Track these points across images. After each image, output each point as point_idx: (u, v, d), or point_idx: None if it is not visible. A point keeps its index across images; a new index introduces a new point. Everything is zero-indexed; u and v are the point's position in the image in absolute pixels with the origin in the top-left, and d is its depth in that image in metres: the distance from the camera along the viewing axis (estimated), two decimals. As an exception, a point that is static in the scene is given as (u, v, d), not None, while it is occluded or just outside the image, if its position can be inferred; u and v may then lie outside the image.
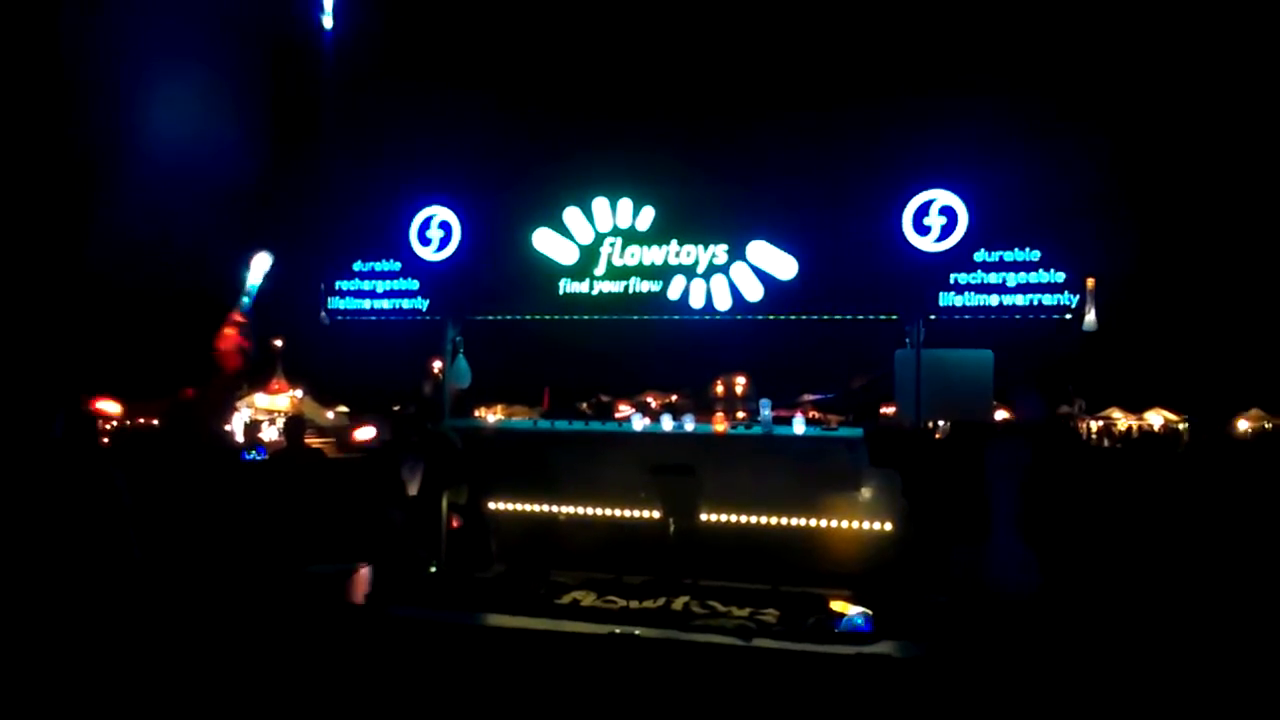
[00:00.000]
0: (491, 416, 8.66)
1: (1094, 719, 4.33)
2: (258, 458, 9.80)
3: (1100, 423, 31.04)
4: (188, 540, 4.76)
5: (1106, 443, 26.06)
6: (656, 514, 6.35)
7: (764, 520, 6.22)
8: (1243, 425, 28.54)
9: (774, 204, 6.22)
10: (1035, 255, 5.68)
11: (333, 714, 4.60)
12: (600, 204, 6.44)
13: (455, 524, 6.64)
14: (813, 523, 6.13)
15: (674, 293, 6.27)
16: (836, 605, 5.52)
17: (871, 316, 6.07)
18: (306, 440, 8.47)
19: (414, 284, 6.78)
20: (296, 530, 6.27)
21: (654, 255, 6.34)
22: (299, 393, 23.43)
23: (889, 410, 7.07)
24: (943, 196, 5.84)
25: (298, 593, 5.67)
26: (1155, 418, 31.25)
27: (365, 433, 11.46)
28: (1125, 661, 4.70)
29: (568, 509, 6.65)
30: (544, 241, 6.53)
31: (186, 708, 4.32)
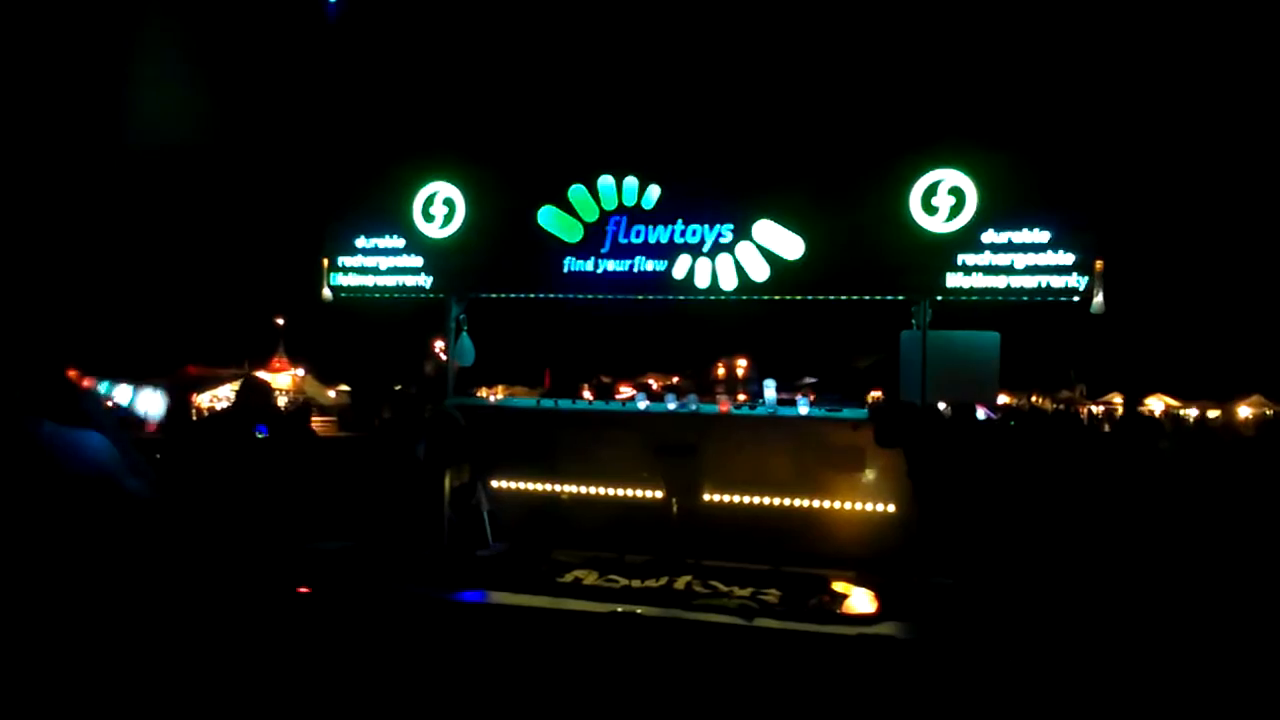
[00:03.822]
0: (492, 397, 8.64)
1: (1093, 701, 4.34)
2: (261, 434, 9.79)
3: (1101, 407, 31.07)
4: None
5: (1107, 427, 26.07)
6: (659, 493, 6.34)
7: (767, 500, 6.21)
8: (1244, 412, 28.54)
9: (781, 183, 6.17)
10: (1044, 237, 5.63)
11: (337, 690, 4.61)
12: (606, 182, 6.39)
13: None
14: (816, 503, 6.12)
15: (679, 272, 6.23)
16: (839, 586, 5.53)
17: (878, 297, 6.03)
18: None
19: (418, 261, 6.74)
20: (298, 508, 6.28)
21: (659, 234, 6.29)
22: (300, 371, 23.43)
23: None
24: (951, 176, 5.79)
25: (300, 569, 5.67)
26: (1156, 403, 31.26)
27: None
28: (1123, 646, 4.70)
29: (570, 488, 6.64)
30: (549, 219, 6.48)
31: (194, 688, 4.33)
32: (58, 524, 3.85)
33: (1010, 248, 5.68)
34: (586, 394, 8.44)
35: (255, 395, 5.76)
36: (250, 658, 4.66)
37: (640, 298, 6.42)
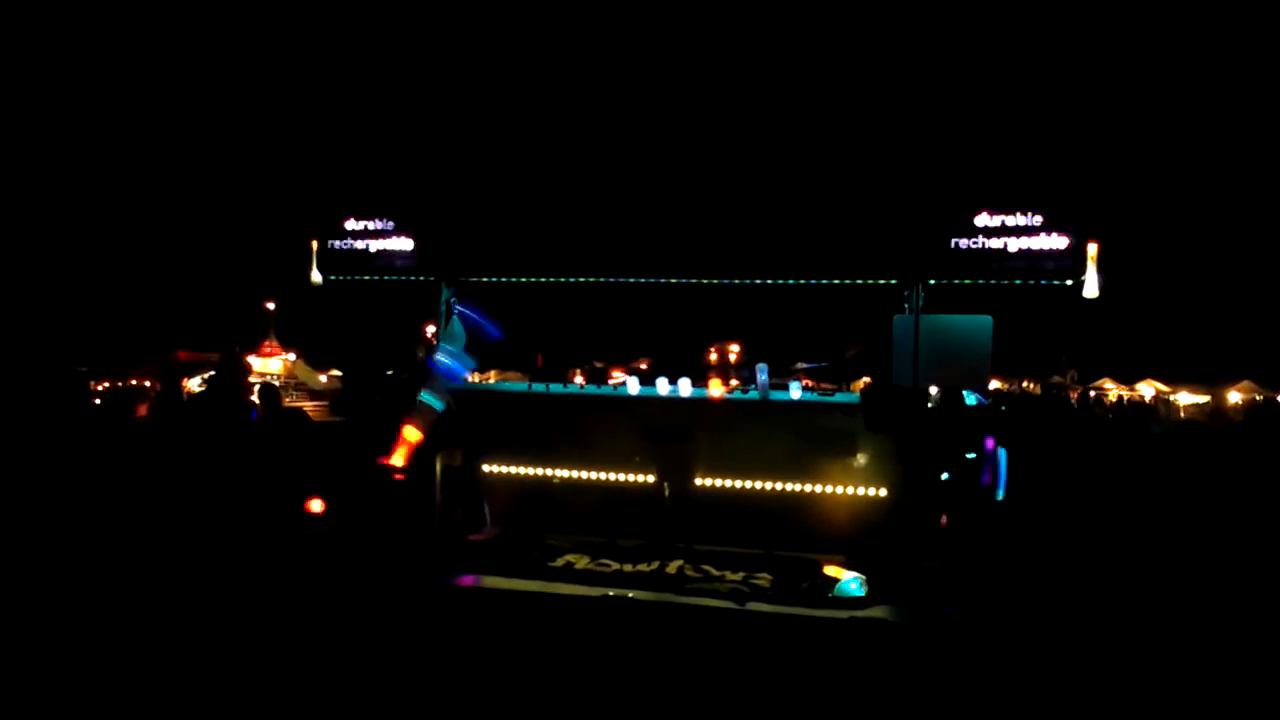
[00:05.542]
0: (484, 381, 8.60)
1: (1085, 686, 4.35)
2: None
3: (1092, 393, 31.16)
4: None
5: (1098, 412, 26.12)
6: (651, 478, 6.32)
7: (759, 485, 6.20)
8: (1233, 397, 28.65)
9: (775, 163, 6.12)
10: (1037, 220, 5.61)
11: (328, 674, 4.60)
12: (597, 163, 6.34)
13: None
14: (807, 488, 6.12)
15: (671, 255, 6.19)
16: (830, 570, 5.53)
17: (870, 281, 6.00)
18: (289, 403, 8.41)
19: (408, 243, 6.68)
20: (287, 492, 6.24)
21: (652, 216, 6.25)
22: (291, 355, 23.29)
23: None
24: (944, 159, 5.75)
25: (291, 554, 5.65)
26: (1147, 389, 31.39)
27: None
28: (1112, 629, 4.72)
29: (562, 472, 6.62)
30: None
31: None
32: None
33: (1004, 231, 5.66)
34: (579, 378, 8.40)
35: (235, 370, 5.74)
36: (242, 640, 4.65)
37: (633, 280, 6.39)
